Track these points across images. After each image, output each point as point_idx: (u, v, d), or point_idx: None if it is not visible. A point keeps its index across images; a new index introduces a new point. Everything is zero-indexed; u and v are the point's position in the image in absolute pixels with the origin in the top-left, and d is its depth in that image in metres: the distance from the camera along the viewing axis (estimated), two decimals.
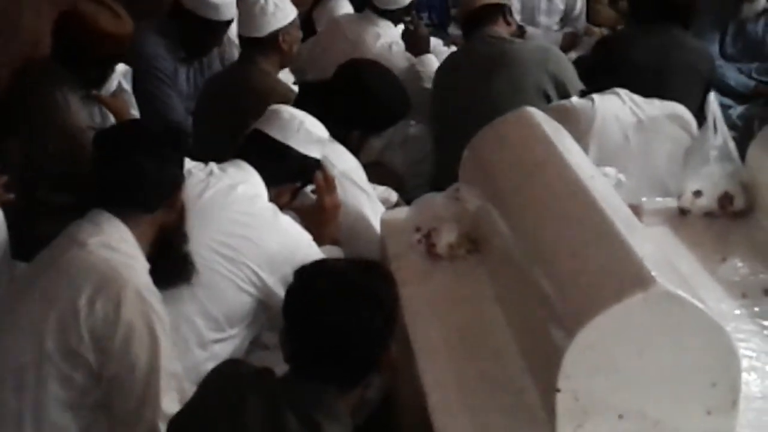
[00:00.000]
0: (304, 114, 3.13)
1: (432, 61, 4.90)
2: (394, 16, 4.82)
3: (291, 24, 4.14)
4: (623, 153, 3.49)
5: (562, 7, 6.31)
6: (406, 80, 4.65)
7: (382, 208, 3.45)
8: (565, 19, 6.34)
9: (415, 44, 4.99)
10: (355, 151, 3.56)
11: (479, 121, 3.32)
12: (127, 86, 4.32)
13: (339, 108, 3.41)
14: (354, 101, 3.50)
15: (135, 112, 4.31)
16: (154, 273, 2.52)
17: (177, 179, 2.63)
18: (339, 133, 3.38)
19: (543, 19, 6.30)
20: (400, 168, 4.50)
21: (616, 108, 3.61)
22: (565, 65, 4.30)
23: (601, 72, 3.98)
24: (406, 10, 4.93)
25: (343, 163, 3.40)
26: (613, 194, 2.62)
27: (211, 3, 4.66)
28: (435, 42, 6.08)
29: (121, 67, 4.25)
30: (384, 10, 4.80)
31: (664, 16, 4.43)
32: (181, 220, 2.64)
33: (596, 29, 6.30)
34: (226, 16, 4.66)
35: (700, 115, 3.56)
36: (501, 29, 4.45)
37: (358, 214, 3.36)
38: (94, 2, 3.95)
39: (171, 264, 2.63)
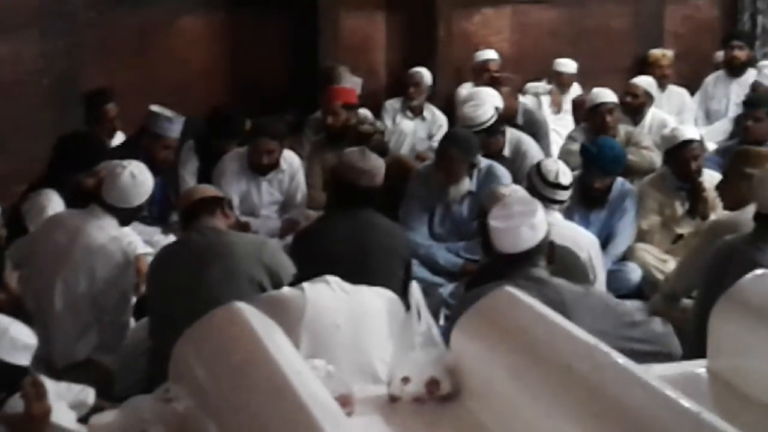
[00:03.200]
0: (9, 320, 3.02)
1: None
2: (121, 215, 4.76)
3: None
4: (334, 342, 3.53)
5: (282, 198, 6.41)
6: (121, 274, 4.59)
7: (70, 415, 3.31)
8: (285, 207, 6.45)
9: None
10: None
11: (194, 313, 3.28)
12: None
13: None
14: None
15: None
16: None
17: None
18: None
19: (263, 211, 6.39)
20: (112, 366, 4.39)
21: (326, 296, 3.66)
22: (280, 256, 4.37)
23: (303, 261, 4.07)
24: (137, 210, 4.88)
25: None
26: (321, 389, 2.63)
27: None
28: (153, 230, 6.07)
29: None
30: (111, 206, 4.74)
31: (359, 202, 4.61)
32: None
33: (311, 212, 6.44)
34: None
35: (404, 296, 3.66)
36: (218, 221, 4.49)
37: None
38: None
39: None
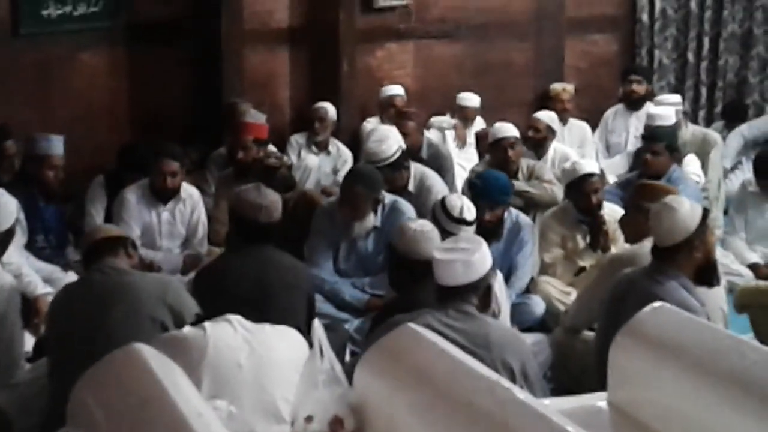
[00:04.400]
0: None
1: None
2: None
3: None
4: (236, 381, 3.49)
5: (183, 231, 6.36)
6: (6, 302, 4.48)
7: None
8: (188, 242, 6.39)
9: None
10: None
11: (94, 355, 3.23)
12: None
13: None
14: None
15: None
16: None
17: None
18: None
19: (165, 243, 6.33)
20: (13, 409, 4.28)
21: (228, 336, 3.63)
22: (183, 296, 4.32)
23: (205, 299, 4.05)
24: (7, 235, 4.78)
25: None
26: (222, 431, 2.61)
27: None
28: (53, 268, 5.97)
29: None
30: None
31: (259, 238, 4.61)
32: None
33: (217, 249, 6.39)
34: None
35: (307, 332, 3.64)
36: (121, 261, 4.43)
37: None
38: None
39: None
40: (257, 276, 4.46)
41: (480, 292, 3.84)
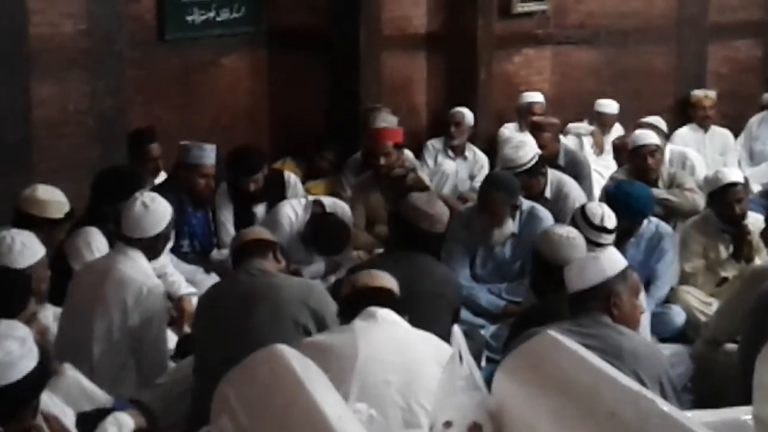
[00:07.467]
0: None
1: None
2: (142, 245, 4.74)
3: (39, 263, 4.05)
4: (385, 398, 3.49)
5: None
6: (152, 303, 4.57)
7: None
8: None
9: None
10: None
11: (239, 354, 3.29)
12: None
13: None
14: None
15: None
16: None
17: None
18: None
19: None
20: (157, 406, 4.37)
21: (380, 348, 3.63)
22: (326, 300, 4.36)
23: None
24: (157, 240, 4.87)
25: None
26: None
27: None
28: (195, 269, 6.09)
29: None
30: (129, 238, 4.73)
31: (414, 245, 4.62)
32: None
33: (354, 253, 6.44)
34: None
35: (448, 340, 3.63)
36: (269, 264, 4.50)
37: None
38: None
39: None
40: (405, 281, 4.44)
41: (600, 296, 3.74)
